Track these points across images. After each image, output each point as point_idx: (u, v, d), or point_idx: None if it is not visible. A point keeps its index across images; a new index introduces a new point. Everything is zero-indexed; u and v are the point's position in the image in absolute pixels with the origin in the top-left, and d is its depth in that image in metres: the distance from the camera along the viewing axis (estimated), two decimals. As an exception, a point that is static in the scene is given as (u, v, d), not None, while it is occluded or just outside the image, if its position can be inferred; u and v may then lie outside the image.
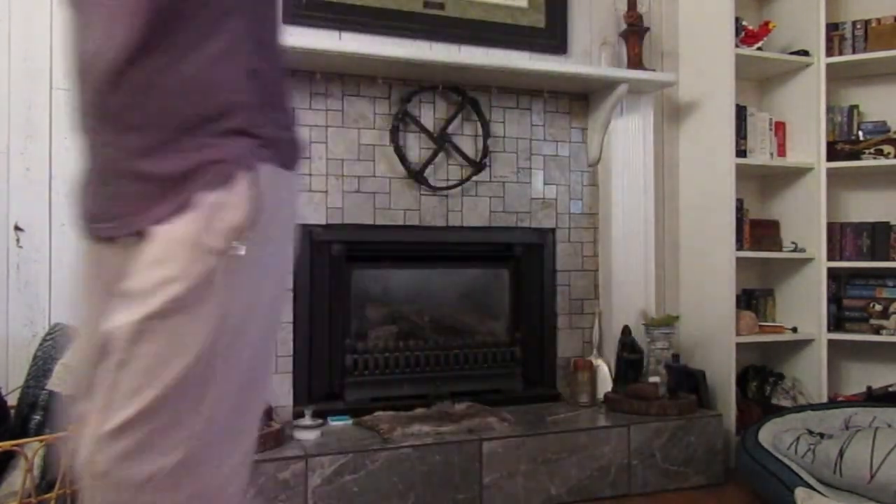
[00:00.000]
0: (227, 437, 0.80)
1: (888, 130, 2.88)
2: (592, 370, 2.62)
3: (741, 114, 2.83)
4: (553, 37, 2.72)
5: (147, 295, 0.75)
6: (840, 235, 2.88)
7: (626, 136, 2.74)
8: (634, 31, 2.72)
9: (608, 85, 2.63)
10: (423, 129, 2.52)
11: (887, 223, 2.84)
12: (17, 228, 2.12)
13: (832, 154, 2.83)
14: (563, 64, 2.56)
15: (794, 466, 2.11)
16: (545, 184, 2.72)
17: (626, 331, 2.63)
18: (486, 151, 2.59)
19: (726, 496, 2.33)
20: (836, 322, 2.87)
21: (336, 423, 2.28)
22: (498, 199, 2.64)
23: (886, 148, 2.80)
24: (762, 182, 3.10)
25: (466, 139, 2.59)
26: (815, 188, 2.82)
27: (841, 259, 2.86)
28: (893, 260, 2.80)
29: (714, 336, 2.74)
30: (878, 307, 2.82)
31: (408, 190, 2.52)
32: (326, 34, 2.44)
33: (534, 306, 2.74)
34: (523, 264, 2.74)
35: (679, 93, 2.95)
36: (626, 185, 2.73)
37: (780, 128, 2.94)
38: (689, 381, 2.61)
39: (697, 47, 2.86)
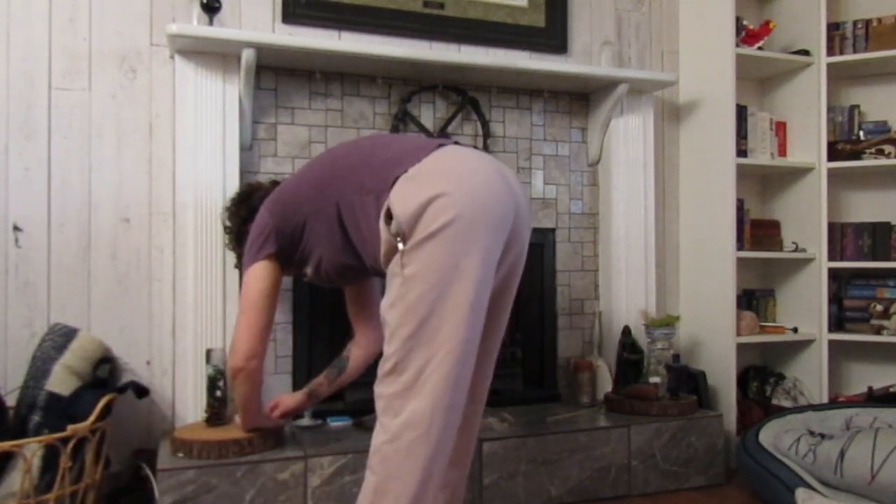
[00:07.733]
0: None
1: (889, 130, 2.88)
2: (593, 370, 2.62)
3: (742, 113, 2.83)
4: (553, 36, 2.72)
5: None
6: (841, 235, 2.88)
7: (626, 136, 2.73)
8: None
9: (608, 85, 2.62)
10: (423, 129, 2.52)
11: (888, 223, 2.84)
12: (15, 228, 2.12)
13: (833, 154, 2.83)
14: (563, 63, 2.56)
15: (794, 467, 2.10)
16: (545, 184, 2.72)
17: (626, 331, 2.63)
18: (486, 151, 2.58)
19: (727, 497, 2.33)
20: (837, 322, 2.87)
21: (336, 423, 2.27)
22: (498, 199, 2.63)
23: (887, 148, 2.79)
24: (763, 182, 3.10)
25: (466, 139, 2.58)
26: (816, 188, 2.81)
27: (842, 259, 2.86)
28: (894, 260, 2.80)
29: (714, 336, 2.74)
30: (879, 307, 2.82)
31: (408, 190, 2.51)
32: (326, 34, 2.43)
33: (534, 306, 2.73)
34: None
35: (679, 93, 2.94)
36: (626, 185, 2.73)
37: (780, 127, 2.93)
38: (689, 382, 2.60)
39: (697, 47, 2.85)
